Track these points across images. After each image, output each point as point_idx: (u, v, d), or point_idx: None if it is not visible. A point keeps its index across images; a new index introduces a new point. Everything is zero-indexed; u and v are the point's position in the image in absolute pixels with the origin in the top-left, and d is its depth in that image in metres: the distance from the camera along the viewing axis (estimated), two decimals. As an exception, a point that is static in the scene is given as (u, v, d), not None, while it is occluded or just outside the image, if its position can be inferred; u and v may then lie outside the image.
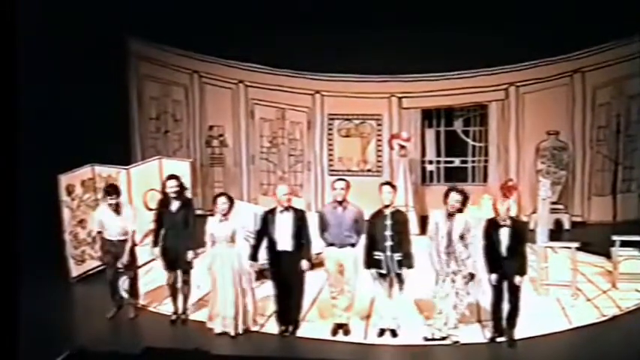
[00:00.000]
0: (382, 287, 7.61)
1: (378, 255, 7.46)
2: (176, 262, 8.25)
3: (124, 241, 8.34)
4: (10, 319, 4.39)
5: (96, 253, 10.36)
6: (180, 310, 8.44)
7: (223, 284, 7.78)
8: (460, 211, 7.31)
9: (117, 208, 8.31)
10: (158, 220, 8.37)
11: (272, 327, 8.08)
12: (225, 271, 7.76)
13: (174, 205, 8.23)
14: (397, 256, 7.41)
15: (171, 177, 8.40)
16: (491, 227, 7.42)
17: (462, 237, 7.27)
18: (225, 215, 7.79)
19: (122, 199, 8.63)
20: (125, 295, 8.71)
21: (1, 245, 4.36)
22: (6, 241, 4.39)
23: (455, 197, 7.30)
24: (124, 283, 8.76)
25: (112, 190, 8.39)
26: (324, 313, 8.32)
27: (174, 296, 8.43)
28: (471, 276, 7.37)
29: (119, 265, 8.44)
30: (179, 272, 8.33)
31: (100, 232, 8.48)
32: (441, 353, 7.48)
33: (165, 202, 8.34)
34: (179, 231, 8.18)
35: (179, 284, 8.36)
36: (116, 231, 8.32)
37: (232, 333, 7.79)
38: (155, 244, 8.36)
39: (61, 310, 8.93)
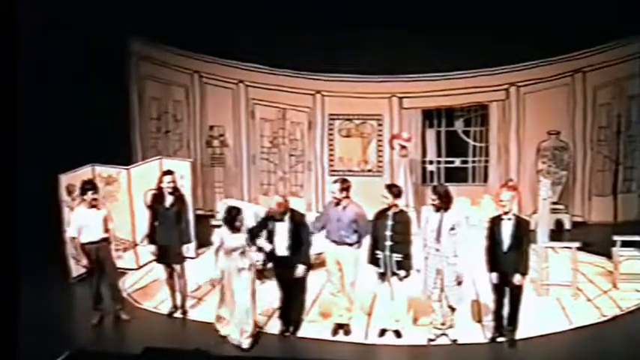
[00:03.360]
0: (382, 287, 7.62)
1: (378, 254, 7.49)
2: (167, 256, 8.38)
3: (106, 240, 8.23)
4: (10, 319, 4.39)
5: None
6: (178, 306, 8.57)
7: (240, 297, 7.48)
8: (446, 209, 7.33)
9: (96, 205, 8.21)
10: (152, 216, 8.48)
11: (272, 327, 8.09)
12: (241, 284, 7.47)
13: (168, 201, 8.37)
14: (396, 257, 7.41)
15: (167, 172, 8.54)
16: (495, 224, 7.43)
17: (451, 228, 7.28)
18: (238, 228, 7.59)
19: (100, 194, 8.60)
20: (109, 301, 8.48)
21: (1, 245, 4.36)
22: (6, 241, 4.39)
23: (431, 195, 7.46)
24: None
25: (90, 186, 8.30)
26: (325, 313, 8.31)
27: (172, 290, 8.59)
28: (458, 278, 7.36)
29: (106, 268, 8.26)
30: (174, 266, 8.44)
31: (75, 238, 8.17)
32: (441, 353, 7.48)
33: (159, 197, 8.44)
34: (171, 226, 8.32)
35: (175, 279, 8.50)
36: (97, 229, 8.14)
37: (246, 346, 7.54)
38: (151, 239, 8.47)
39: (61, 310, 8.94)
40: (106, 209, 8.45)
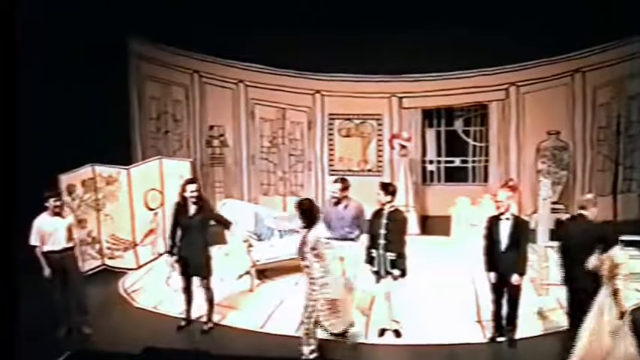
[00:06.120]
0: (379, 286, 7.62)
1: (373, 253, 7.51)
2: (191, 268, 7.96)
3: (71, 249, 7.90)
4: (10, 319, 4.40)
5: (95, 252, 10.40)
6: (192, 317, 8.18)
7: None
8: (309, 226, 6.92)
9: (60, 212, 7.86)
10: (175, 226, 8.00)
11: (273, 327, 8.11)
12: None
13: (192, 210, 7.93)
14: (390, 256, 7.41)
15: (191, 181, 8.10)
16: (492, 224, 7.43)
17: (313, 249, 6.83)
18: None
19: (65, 201, 8.36)
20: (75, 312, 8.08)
21: (1, 245, 4.37)
22: (6, 241, 4.40)
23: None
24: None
25: (54, 193, 7.99)
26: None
27: (188, 301, 8.16)
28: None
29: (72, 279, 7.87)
30: (194, 279, 8.02)
31: (37, 247, 7.73)
32: (441, 353, 7.48)
33: (183, 206, 7.97)
34: (196, 236, 7.90)
35: (198, 289, 8.06)
36: (61, 238, 7.77)
37: None
38: (172, 251, 8.02)
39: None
40: (70, 218, 8.06)
